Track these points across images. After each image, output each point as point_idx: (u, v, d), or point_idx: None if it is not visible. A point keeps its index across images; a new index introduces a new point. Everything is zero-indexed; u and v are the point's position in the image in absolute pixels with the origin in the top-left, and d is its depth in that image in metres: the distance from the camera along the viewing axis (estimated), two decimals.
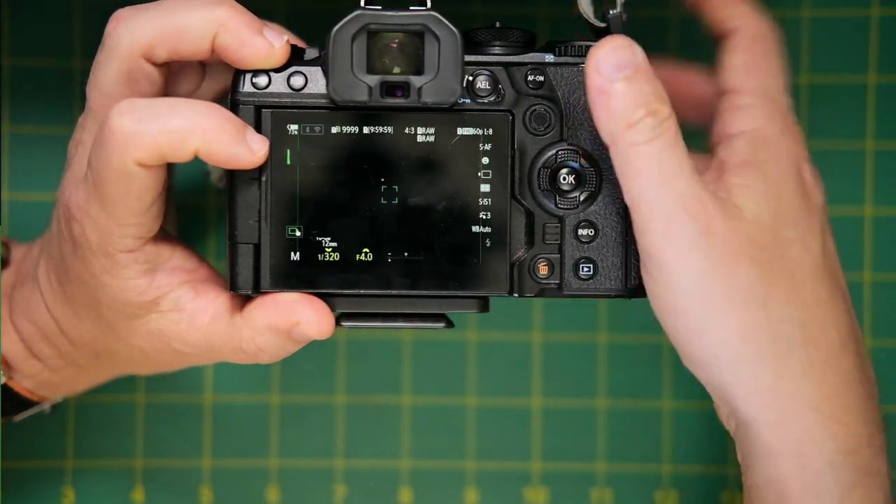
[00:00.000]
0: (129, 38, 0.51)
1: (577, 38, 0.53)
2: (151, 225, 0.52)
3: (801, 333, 0.50)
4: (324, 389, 0.71)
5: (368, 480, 0.72)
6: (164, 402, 0.71)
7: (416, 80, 0.50)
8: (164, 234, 0.54)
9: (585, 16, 0.52)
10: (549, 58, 0.52)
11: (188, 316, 0.53)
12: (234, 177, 0.51)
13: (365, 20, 0.50)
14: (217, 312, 0.53)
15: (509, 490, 0.72)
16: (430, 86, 0.50)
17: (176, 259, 0.54)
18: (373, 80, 0.51)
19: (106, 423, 0.71)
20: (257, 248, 0.52)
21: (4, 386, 0.58)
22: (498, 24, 0.53)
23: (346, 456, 0.72)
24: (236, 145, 0.50)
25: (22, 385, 0.59)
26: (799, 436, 0.50)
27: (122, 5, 0.53)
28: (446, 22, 0.50)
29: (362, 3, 0.51)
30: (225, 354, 0.53)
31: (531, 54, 0.52)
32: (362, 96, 0.51)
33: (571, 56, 0.52)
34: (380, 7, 0.51)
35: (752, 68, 0.53)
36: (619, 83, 0.49)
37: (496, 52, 0.52)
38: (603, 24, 0.52)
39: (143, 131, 0.50)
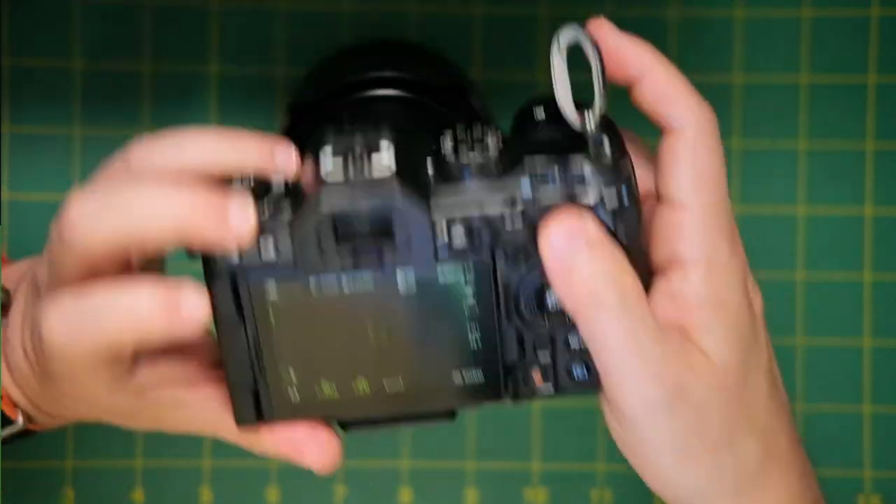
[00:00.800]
0: (83, 241, 0.48)
1: (553, 169, 0.49)
2: (133, 374, 0.51)
3: (760, 456, 0.51)
4: None
5: (368, 480, 0.72)
6: None
7: (388, 250, 0.48)
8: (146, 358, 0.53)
9: (564, 114, 0.49)
10: (526, 192, 0.48)
11: (190, 413, 0.53)
12: (220, 337, 0.50)
13: (327, 210, 0.47)
14: (221, 414, 0.52)
15: (509, 490, 0.72)
16: (402, 253, 0.48)
17: (173, 369, 0.52)
18: (343, 253, 0.48)
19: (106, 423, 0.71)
20: (255, 389, 0.51)
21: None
22: (470, 154, 0.49)
23: (347, 456, 0.72)
24: (172, 324, 0.48)
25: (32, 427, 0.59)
26: None
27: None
28: (412, 203, 0.47)
29: (323, 172, 0.47)
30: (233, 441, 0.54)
31: (504, 189, 0.48)
32: (335, 269, 0.48)
33: (549, 188, 0.48)
34: (340, 179, 0.47)
35: (698, 182, 0.49)
36: (573, 262, 0.48)
37: (469, 190, 0.48)
38: (579, 130, 0.48)
39: (75, 341, 0.48)
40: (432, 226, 0.47)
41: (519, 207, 0.48)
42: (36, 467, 0.70)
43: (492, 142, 0.49)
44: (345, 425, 0.53)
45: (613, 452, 0.71)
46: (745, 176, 0.71)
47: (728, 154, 0.71)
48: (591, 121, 0.48)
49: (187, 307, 0.48)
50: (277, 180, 0.49)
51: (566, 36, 0.49)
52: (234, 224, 0.48)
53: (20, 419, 0.58)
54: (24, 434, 0.59)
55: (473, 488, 0.72)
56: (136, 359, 0.51)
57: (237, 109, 0.70)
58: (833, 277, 0.71)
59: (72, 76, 0.70)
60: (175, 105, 0.70)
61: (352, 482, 0.72)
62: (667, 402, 0.48)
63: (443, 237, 0.48)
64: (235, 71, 0.70)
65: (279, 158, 0.49)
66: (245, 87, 0.70)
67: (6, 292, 0.58)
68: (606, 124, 0.49)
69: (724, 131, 0.71)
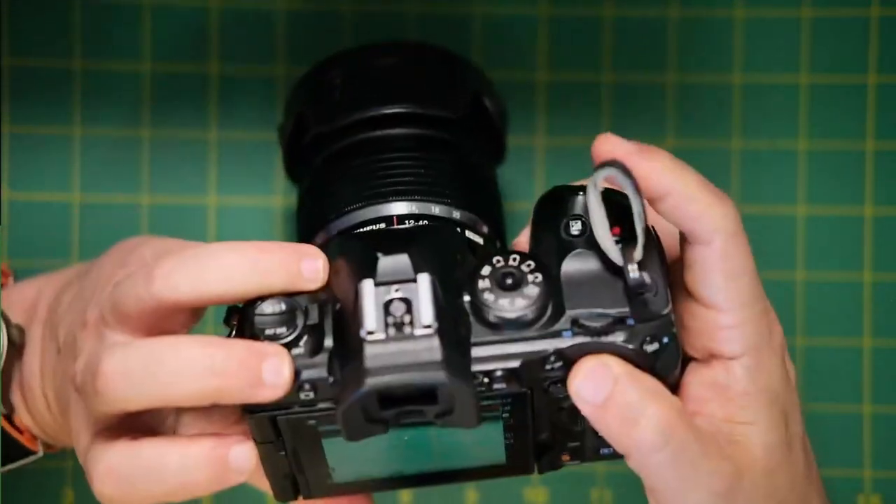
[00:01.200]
0: (115, 399, 0.49)
1: (593, 307, 0.48)
2: None
3: None
4: None
5: None
6: None
7: (429, 410, 0.47)
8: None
9: (606, 253, 0.48)
10: (567, 335, 0.48)
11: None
12: (260, 452, 0.50)
13: (371, 387, 0.46)
14: (257, 470, 0.52)
15: (509, 490, 0.72)
16: (444, 415, 0.47)
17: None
18: (387, 415, 0.47)
19: None
20: (294, 479, 0.51)
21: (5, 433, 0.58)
22: (510, 305, 0.48)
23: None
24: (221, 480, 0.49)
25: (38, 447, 0.59)
26: None
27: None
28: (457, 377, 0.46)
29: (363, 333, 0.46)
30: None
31: (547, 339, 0.48)
32: (379, 432, 0.48)
33: (590, 336, 0.48)
34: (381, 339, 0.46)
35: (732, 286, 0.50)
36: (608, 399, 0.48)
37: (511, 338, 0.48)
38: (619, 264, 0.48)
39: (126, 495, 0.50)
40: (475, 395, 0.47)
41: (559, 356, 0.48)
42: (36, 467, 0.70)
43: (531, 282, 0.48)
44: None
45: None
46: (745, 176, 0.71)
47: (728, 154, 0.71)
48: (634, 263, 0.48)
49: (236, 461, 0.49)
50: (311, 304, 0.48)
51: (603, 175, 0.48)
52: (269, 383, 0.47)
53: (41, 450, 0.58)
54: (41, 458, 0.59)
55: (473, 488, 0.72)
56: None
57: (237, 109, 0.70)
58: (833, 277, 0.71)
59: (72, 76, 0.70)
60: (175, 105, 0.70)
61: None
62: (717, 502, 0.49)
63: (483, 385, 0.48)
64: (235, 71, 0.70)
65: (307, 272, 0.49)
66: (245, 87, 0.70)
67: (21, 330, 0.58)
68: (648, 249, 0.48)
69: (724, 131, 0.71)
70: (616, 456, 0.51)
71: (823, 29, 0.70)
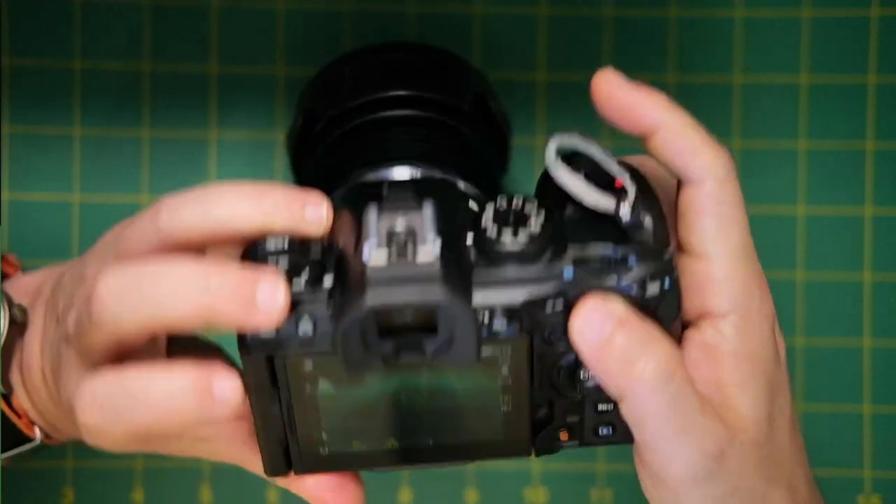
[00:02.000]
0: (111, 321, 0.48)
1: (595, 243, 0.48)
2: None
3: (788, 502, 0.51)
4: None
5: (369, 480, 0.72)
6: None
7: (429, 342, 0.47)
8: None
9: (599, 208, 0.49)
10: (568, 273, 0.48)
11: (213, 447, 0.53)
12: (253, 404, 0.49)
13: (370, 304, 0.46)
14: (246, 445, 0.52)
15: (509, 490, 0.72)
16: (444, 347, 0.47)
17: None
18: (385, 345, 0.47)
19: None
20: (286, 448, 0.51)
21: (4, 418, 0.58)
22: (513, 234, 0.48)
23: None
24: (206, 409, 0.48)
25: (35, 433, 0.59)
26: None
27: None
28: (459, 301, 0.46)
29: (365, 256, 0.46)
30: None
31: (550, 278, 0.48)
32: (376, 364, 0.47)
33: (592, 274, 0.48)
34: (383, 260, 0.46)
35: (722, 233, 0.49)
36: (606, 342, 0.47)
37: (511, 274, 0.48)
38: (614, 209, 0.48)
39: (111, 425, 0.49)
40: (475, 320, 0.46)
41: (560, 295, 0.48)
42: (36, 467, 0.70)
43: (533, 219, 0.48)
44: None
45: (613, 452, 0.71)
46: (745, 176, 0.71)
47: None
48: (627, 208, 0.48)
49: (221, 391, 0.48)
50: (314, 239, 0.48)
51: (557, 143, 0.48)
52: (263, 308, 0.47)
53: (38, 436, 0.58)
54: (39, 448, 0.59)
55: (473, 488, 0.72)
56: None
57: (237, 109, 0.70)
58: (833, 277, 0.71)
59: (72, 76, 0.70)
60: (175, 105, 0.70)
61: None
62: (708, 470, 0.48)
63: (484, 323, 0.47)
64: (235, 71, 0.70)
65: (310, 216, 0.48)
66: (245, 87, 0.70)
67: (23, 310, 0.58)
68: (642, 190, 0.49)
69: (724, 131, 0.71)
70: (616, 439, 0.51)
71: (823, 29, 0.70)
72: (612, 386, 0.48)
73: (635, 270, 0.48)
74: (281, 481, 0.52)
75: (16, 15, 0.70)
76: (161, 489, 0.71)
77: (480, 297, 0.47)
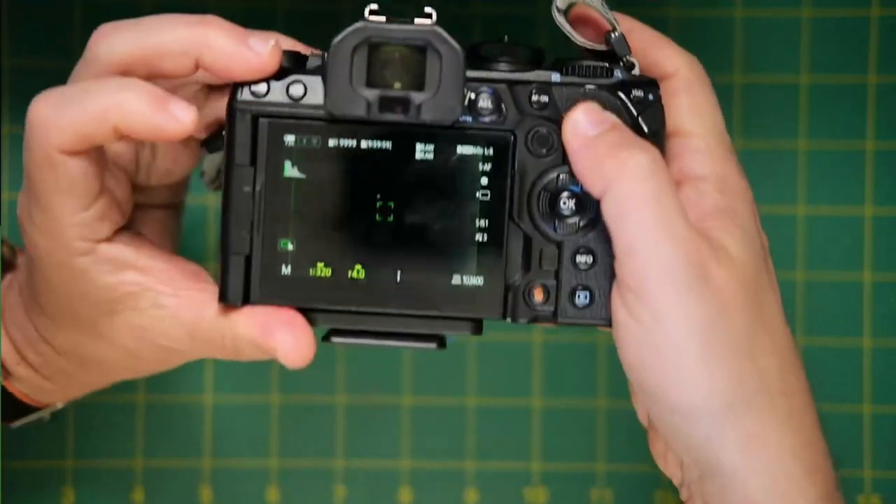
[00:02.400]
0: (107, 52, 0.50)
1: (584, 57, 0.52)
2: (97, 226, 0.51)
3: (780, 383, 0.50)
4: (324, 389, 0.71)
5: (368, 480, 0.72)
6: (164, 402, 0.71)
7: (415, 97, 0.49)
8: (125, 235, 0.53)
9: (581, 44, 0.52)
10: (556, 77, 0.51)
11: (170, 312, 0.52)
12: (227, 187, 0.50)
13: (367, 33, 0.49)
14: (201, 309, 0.52)
15: (509, 490, 0.72)
16: (429, 103, 0.49)
17: (144, 257, 0.52)
18: (371, 94, 0.49)
19: (106, 423, 0.71)
20: (248, 259, 0.51)
21: (3, 389, 0.58)
22: (506, 39, 0.52)
23: (346, 456, 0.72)
24: (157, 114, 0.48)
25: (17, 388, 0.58)
26: (785, 485, 0.50)
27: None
28: (449, 39, 0.49)
29: (366, 15, 0.49)
30: (208, 350, 0.53)
31: (537, 72, 0.51)
32: (360, 111, 0.49)
33: (578, 76, 0.51)
34: (383, 19, 0.49)
35: (698, 110, 0.53)
36: (602, 134, 0.49)
37: (501, 68, 0.51)
38: (605, 48, 0.51)
39: (59, 116, 0.49)
40: (463, 65, 0.49)
41: (546, 91, 0.51)
42: (36, 467, 0.70)
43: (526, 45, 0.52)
44: (326, 336, 0.52)
45: (613, 452, 0.71)
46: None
47: None
48: (614, 41, 0.52)
49: (177, 107, 0.49)
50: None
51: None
52: (256, 48, 0.49)
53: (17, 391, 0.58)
54: (27, 410, 0.59)
55: (473, 488, 0.72)
56: (110, 224, 0.52)
57: None
58: (833, 277, 0.71)
59: None
60: None
61: (352, 482, 0.72)
62: (691, 280, 0.48)
63: (470, 99, 0.50)
64: None
65: (257, 46, 0.50)
66: None
67: (12, 249, 0.58)
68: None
69: None
70: (592, 318, 0.51)
71: (823, 29, 0.70)
72: (597, 178, 0.49)
73: (622, 80, 0.51)
74: (229, 326, 0.51)
75: (16, 15, 0.69)
76: (161, 489, 0.71)
77: (469, 74, 0.50)
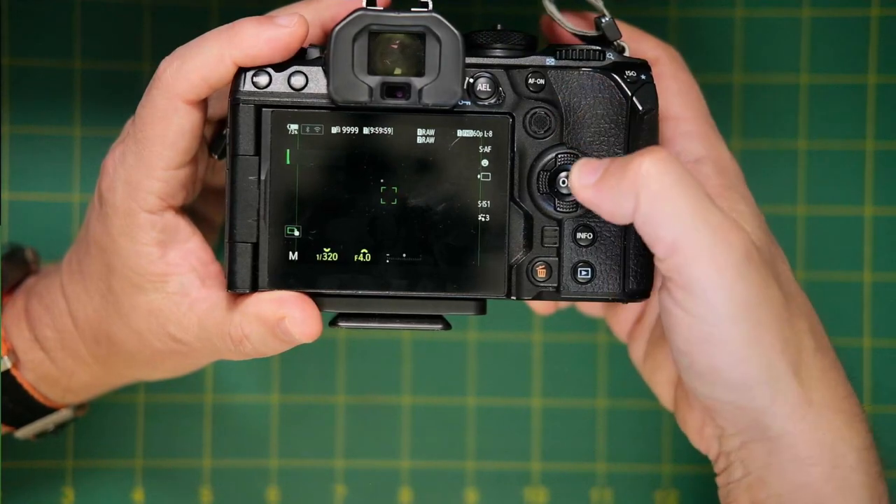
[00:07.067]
0: (175, 85, 0.52)
1: (577, 42, 0.53)
2: (176, 190, 0.54)
3: (813, 342, 0.52)
4: (324, 389, 0.71)
5: (368, 480, 0.72)
6: (164, 402, 0.71)
7: (416, 82, 0.50)
8: (189, 217, 0.55)
9: (572, 30, 0.54)
10: (550, 61, 0.52)
11: (189, 301, 0.54)
12: (232, 177, 0.52)
13: (367, 21, 0.50)
14: (216, 303, 0.54)
15: (509, 490, 0.72)
16: (430, 87, 0.50)
17: (192, 243, 0.54)
18: (373, 80, 0.51)
19: (106, 423, 0.71)
20: (255, 247, 0.52)
21: (7, 373, 0.59)
22: (499, 27, 0.53)
23: (346, 456, 0.72)
24: (267, 30, 0.51)
25: (25, 379, 0.59)
26: (832, 439, 0.52)
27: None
28: (448, 24, 0.50)
29: (364, 4, 0.51)
30: (214, 344, 0.54)
31: (532, 57, 0.52)
32: (363, 97, 0.51)
33: (572, 59, 0.52)
34: (382, 8, 0.51)
35: (685, 95, 0.55)
36: (604, 171, 0.50)
37: (497, 54, 0.52)
38: (596, 34, 0.53)
39: (186, 65, 0.51)
40: (461, 47, 0.50)
41: (541, 74, 0.52)
42: (36, 467, 0.70)
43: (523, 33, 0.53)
44: (334, 321, 0.53)
45: (613, 452, 0.71)
46: (745, 176, 0.71)
47: None
48: (604, 25, 0.53)
49: (280, 18, 0.51)
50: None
51: None
52: (281, 21, 0.51)
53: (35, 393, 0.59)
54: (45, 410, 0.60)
55: (473, 488, 0.72)
56: (184, 196, 0.55)
57: None
58: (833, 277, 0.71)
59: (72, 76, 0.70)
60: None
61: (352, 482, 0.72)
62: (735, 262, 0.49)
63: (469, 82, 0.51)
64: None
65: (282, 21, 0.51)
66: None
67: (35, 254, 0.61)
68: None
69: (725, 131, 0.70)
70: (595, 292, 0.52)
71: (823, 29, 0.70)
72: (623, 201, 0.49)
73: (614, 61, 0.52)
74: (238, 311, 0.52)
75: (16, 15, 0.70)
76: (161, 489, 0.71)
77: (467, 60, 0.51)
